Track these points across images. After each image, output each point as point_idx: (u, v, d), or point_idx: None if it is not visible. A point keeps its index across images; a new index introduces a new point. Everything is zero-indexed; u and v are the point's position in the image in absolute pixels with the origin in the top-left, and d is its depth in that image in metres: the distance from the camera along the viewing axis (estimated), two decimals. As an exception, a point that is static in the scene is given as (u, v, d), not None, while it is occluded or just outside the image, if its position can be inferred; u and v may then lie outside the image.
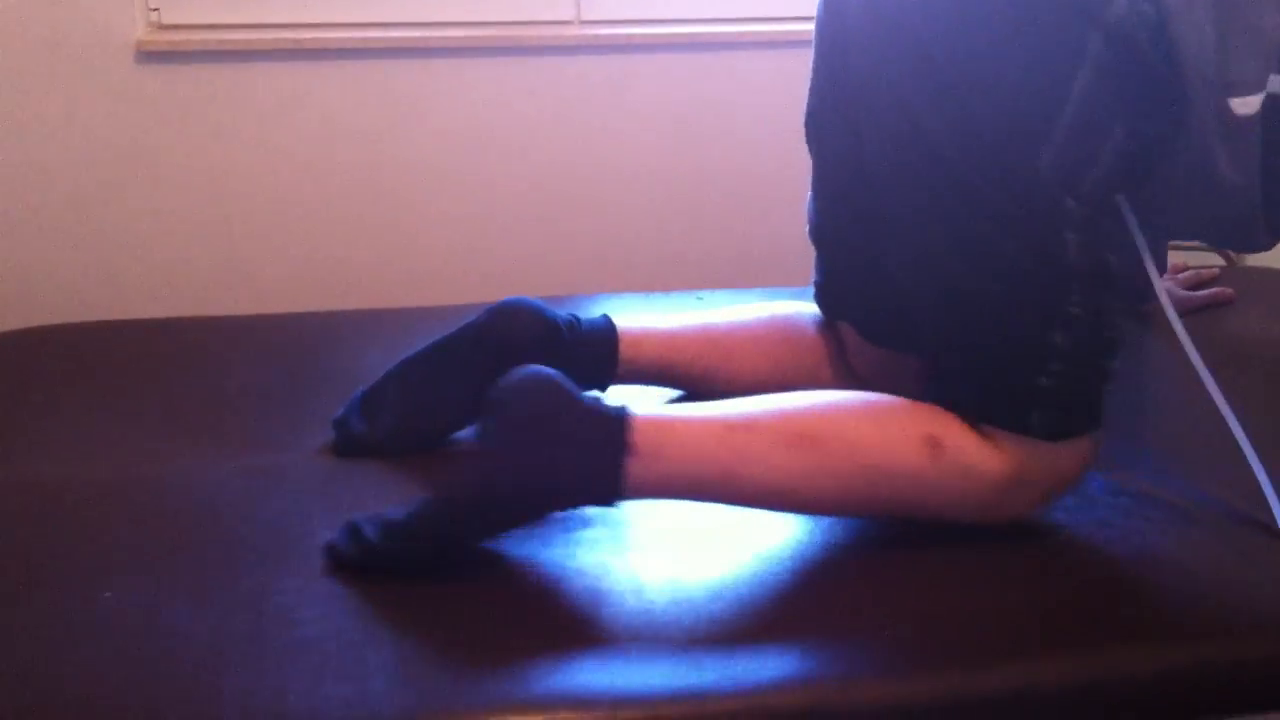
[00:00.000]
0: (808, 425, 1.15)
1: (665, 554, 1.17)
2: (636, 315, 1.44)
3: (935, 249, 1.18)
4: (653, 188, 2.40)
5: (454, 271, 2.39)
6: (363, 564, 1.13)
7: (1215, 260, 2.18)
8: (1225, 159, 1.08)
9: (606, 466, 1.13)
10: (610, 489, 1.13)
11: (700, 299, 1.76)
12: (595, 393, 1.20)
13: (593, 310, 1.57)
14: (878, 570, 1.15)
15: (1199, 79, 1.06)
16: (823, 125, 1.35)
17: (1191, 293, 1.71)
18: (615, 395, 1.42)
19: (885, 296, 1.32)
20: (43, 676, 0.99)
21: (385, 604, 1.08)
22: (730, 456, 1.14)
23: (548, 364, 1.29)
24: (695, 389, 1.44)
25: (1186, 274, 1.77)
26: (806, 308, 1.47)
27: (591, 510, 1.21)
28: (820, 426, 1.15)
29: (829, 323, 1.45)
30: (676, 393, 1.46)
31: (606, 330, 1.40)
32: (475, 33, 2.26)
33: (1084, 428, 1.17)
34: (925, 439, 1.15)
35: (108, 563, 1.14)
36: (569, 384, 1.15)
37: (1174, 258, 2.36)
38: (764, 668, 1.01)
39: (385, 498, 1.21)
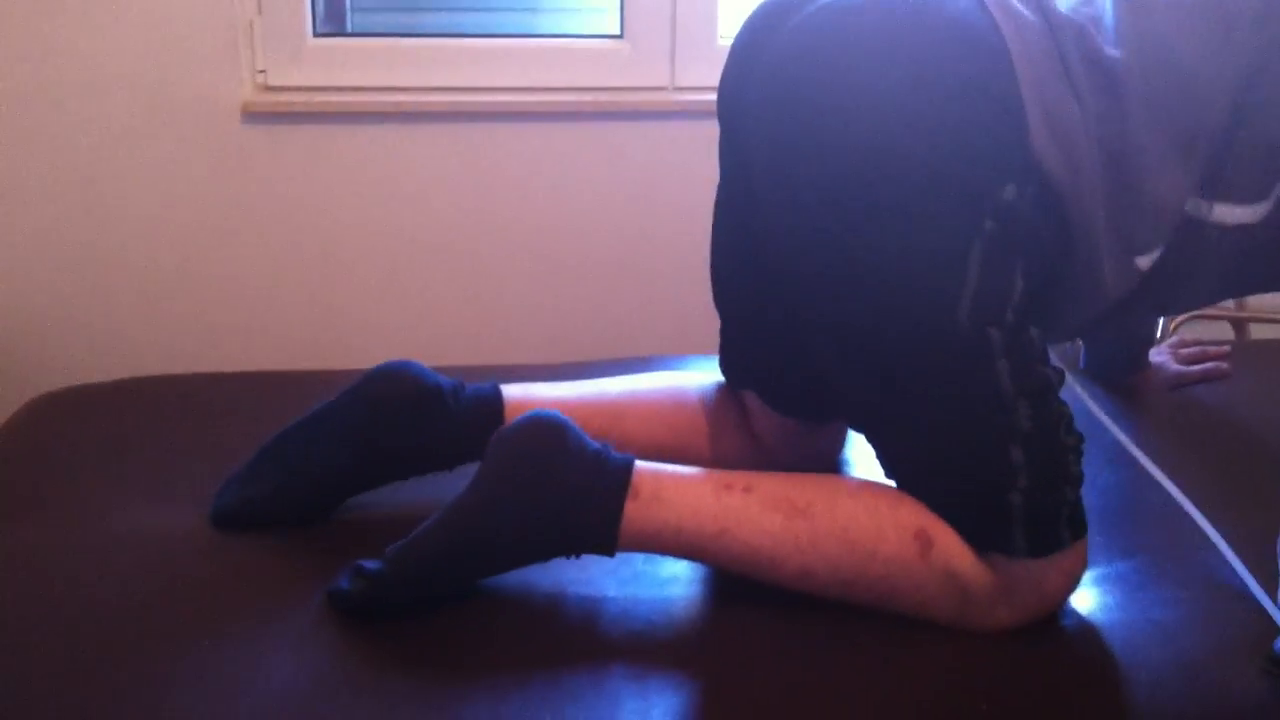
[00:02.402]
0: (803, 496, 1.15)
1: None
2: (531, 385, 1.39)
3: (863, 383, 1.16)
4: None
5: (540, 330, 2.41)
6: (366, 604, 1.15)
7: (1228, 335, 2.22)
8: (1114, 287, 1.15)
9: (607, 511, 1.13)
10: (609, 533, 1.14)
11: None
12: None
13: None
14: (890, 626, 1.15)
15: (1088, 246, 1.12)
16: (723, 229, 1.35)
17: (1185, 368, 1.70)
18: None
19: (796, 371, 1.30)
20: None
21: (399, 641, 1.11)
22: (725, 513, 1.14)
23: (427, 429, 1.29)
24: None
25: (1191, 350, 1.74)
26: (706, 375, 1.45)
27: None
28: (815, 500, 1.15)
29: (731, 389, 1.43)
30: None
31: (491, 397, 1.35)
32: (570, 98, 2.30)
33: (1069, 539, 1.14)
34: (917, 532, 1.14)
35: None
36: (574, 428, 1.16)
37: (1186, 332, 2.32)
38: None
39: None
